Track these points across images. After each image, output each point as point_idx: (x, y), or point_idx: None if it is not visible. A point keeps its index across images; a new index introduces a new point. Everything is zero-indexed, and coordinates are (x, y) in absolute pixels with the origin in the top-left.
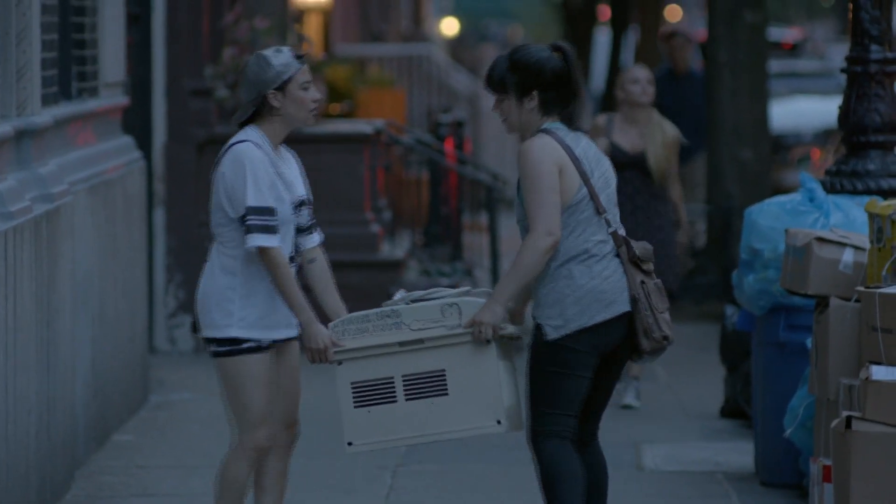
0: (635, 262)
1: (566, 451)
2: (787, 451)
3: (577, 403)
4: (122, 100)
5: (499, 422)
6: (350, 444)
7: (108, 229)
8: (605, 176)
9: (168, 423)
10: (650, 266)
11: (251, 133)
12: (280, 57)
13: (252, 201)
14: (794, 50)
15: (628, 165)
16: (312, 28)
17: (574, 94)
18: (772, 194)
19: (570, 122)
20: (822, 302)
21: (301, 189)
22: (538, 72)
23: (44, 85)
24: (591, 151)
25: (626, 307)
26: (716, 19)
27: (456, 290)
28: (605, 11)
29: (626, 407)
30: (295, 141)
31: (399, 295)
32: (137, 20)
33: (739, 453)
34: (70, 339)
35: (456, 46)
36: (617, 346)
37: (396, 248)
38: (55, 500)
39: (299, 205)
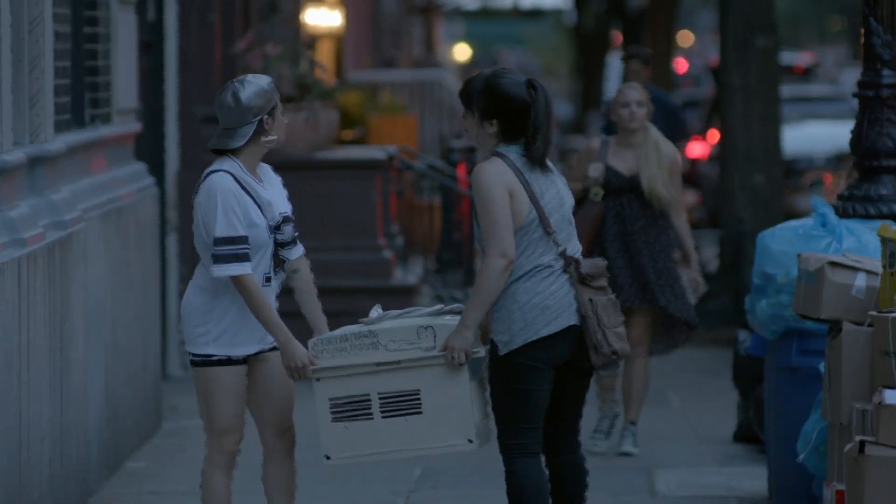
0: (584, 279)
1: (534, 468)
2: (801, 475)
3: (538, 415)
4: (134, 126)
5: (470, 440)
6: (327, 457)
7: (121, 256)
8: (559, 196)
9: (181, 450)
10: (602, 282)
11: (227, 163)
12: (266, 82)
13: (221, 231)
14: (806, 74)
15: (625, 189)
16: (325, 54)
17: (534, 131)
18: (784, 219)
19: (529, 155)
20: (834, 326)
21: (282, 206)
22: (504, 102)
23: (57, 112)
24: (541, 177)
25: (573, 321)
26: (728, 44)
27: (431, 310)
28: (617, 36)
29: (625, 454)
30: (308, 167)
31: (375, 312)
32: (150, 47)
33: (753, 478)
34: (83, 367)
35: (468, 72)
36: (572, 357)
37: (409, 274)
38: None
39: (281, 222)
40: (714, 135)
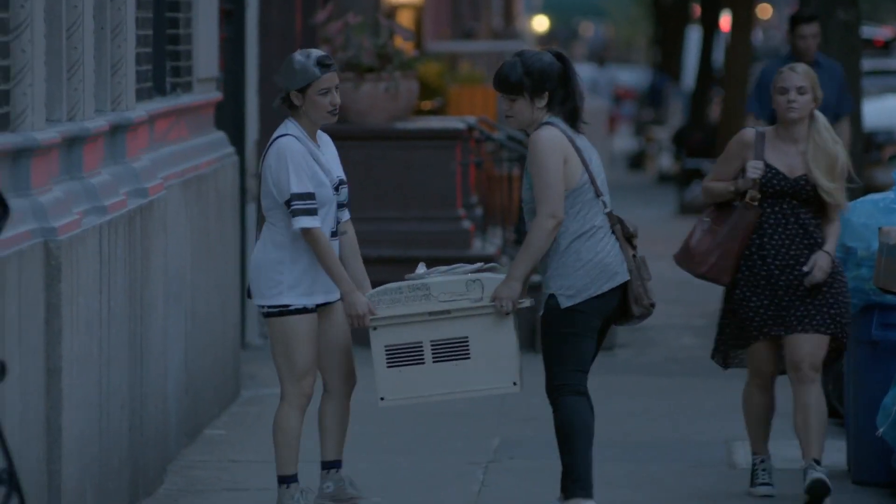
0: (628, 237)
1: (582, 405)
2: (880, 449)
3: (587, 361)
4: (215, 95)
5: (514, 383)
6: (382, 398)
7: (201, 224)
8: (599, 161)
9: (259, 418)
10: (636, 241)
11: (290, 127)
12: (305, 63)
13: (295, 188)
14: (885, 48)
15: (787, 194)
16: (404, 25)
17: (572, 94)
18: (864, 193)
19: (572, 121)
20: None
21: (338, 171)
22: (549, 75)
23: (138, 80)
24: (586, 143)
25: (626, 277)
26: None
27: (473, 267)
28: (696, 9)
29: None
30: (388, 137)
31: (421, 269)
32: (230, 16)
33: (831, 451)
34: (162, 335)
35: (546, 43)
36: (616, 309)
37: (488, 245)
38: (147, 494)
39: (338, 185)
40: None
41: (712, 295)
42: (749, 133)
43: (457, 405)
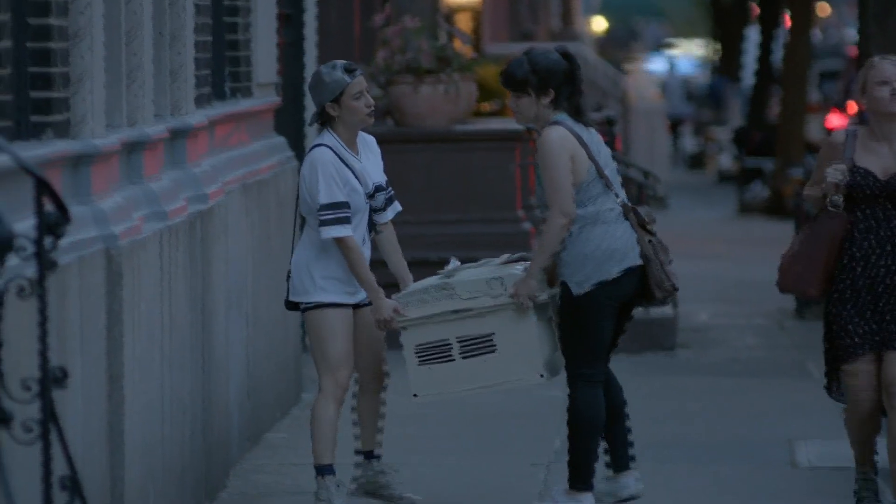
0: (643, 224)
1: (596, 397)
2: None
3: (604, 347)
4: (274, 100)
5: (539, 374)
6: (416, 395)
7: (262, 229)
8: (608, 154)
9: None
10: (653, 227)
11: (326, 137)
12: (333, 74)
13: (324, 199)
14: None
15: (879, 196)
16: (462, 27)
17: (578, 91)
18: None
19: (578, 115)
20: None
21: (377, 176)
22: (555, 73)
23: (197, 85)
24: (594, 138)
25: (637, 260)
26: (867, 16)
27: (499, 260)
28: (754, 8)
29: None
30: (447, 140)
31: (452, 264)
32: (289, 20)
33: None
34: (224, 340)
35: (605, 44)
36: (632, 295)
37: None
38: (210, 498)
39: (375, 191)
40: (852, 107)
41: (773, 294)
42: (838, 135)
43: (518, 407)
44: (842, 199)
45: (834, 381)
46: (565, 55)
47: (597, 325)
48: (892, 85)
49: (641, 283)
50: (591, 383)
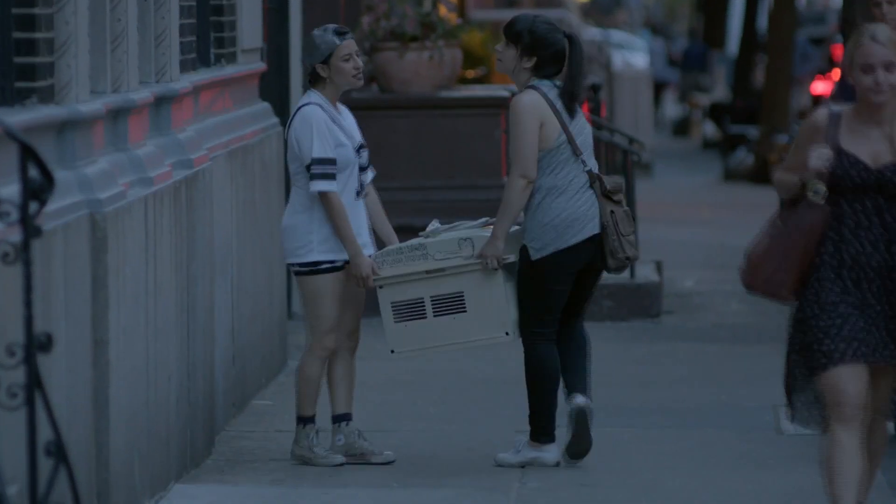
0: (607, 194)
1: (550, 352)
2: None
3: (557, 309)
4: (259, 66)
5: (507, 333)
6: (393, 351)
7: (246, 195)
8: (582, 123)
9: None
10: (620, 196)
11: (314, 96)
12: (324, 36)
13: (317, 153)
14: None
15: (870, 187)
16: None
17: (572, 79)
18: None
19: (570, 101)
20: None
21: (358, 136)
22: (545, 44)
23: (182, 51)
24: (569, 107)
25: (596, 230)
26: None
27: (475, 223)
28: None
29: None
30: (431, 106)
31: (432, 226)
32: None
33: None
34: (209, 305)
35: (589, 11)
36: (591, 261)
37: None
38: (195, 464)
39: (359, 148)
40: (838, 73)
41: None
42: (820, 115)
43: (509, 374)
44: (825, 190)
45: (799, 404)
46: (570, 39)
47: (552, 289)
48: (877, 73)
49: (600, 251)
50: (547, 340)
